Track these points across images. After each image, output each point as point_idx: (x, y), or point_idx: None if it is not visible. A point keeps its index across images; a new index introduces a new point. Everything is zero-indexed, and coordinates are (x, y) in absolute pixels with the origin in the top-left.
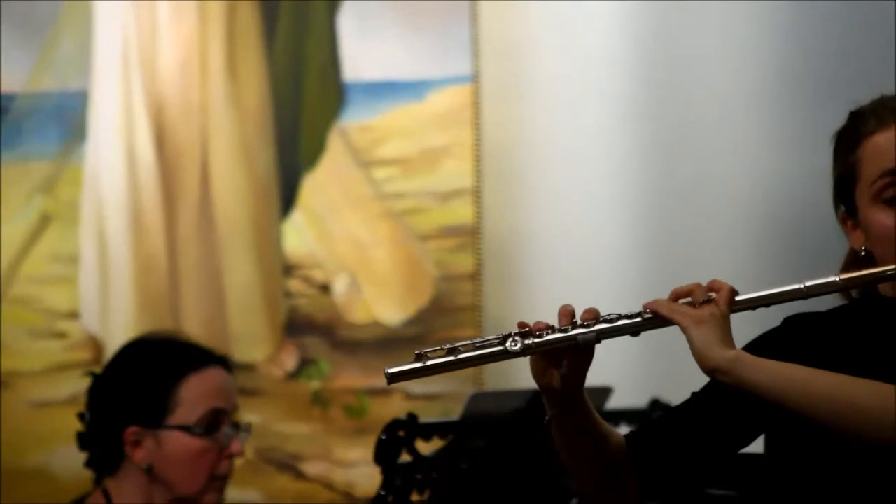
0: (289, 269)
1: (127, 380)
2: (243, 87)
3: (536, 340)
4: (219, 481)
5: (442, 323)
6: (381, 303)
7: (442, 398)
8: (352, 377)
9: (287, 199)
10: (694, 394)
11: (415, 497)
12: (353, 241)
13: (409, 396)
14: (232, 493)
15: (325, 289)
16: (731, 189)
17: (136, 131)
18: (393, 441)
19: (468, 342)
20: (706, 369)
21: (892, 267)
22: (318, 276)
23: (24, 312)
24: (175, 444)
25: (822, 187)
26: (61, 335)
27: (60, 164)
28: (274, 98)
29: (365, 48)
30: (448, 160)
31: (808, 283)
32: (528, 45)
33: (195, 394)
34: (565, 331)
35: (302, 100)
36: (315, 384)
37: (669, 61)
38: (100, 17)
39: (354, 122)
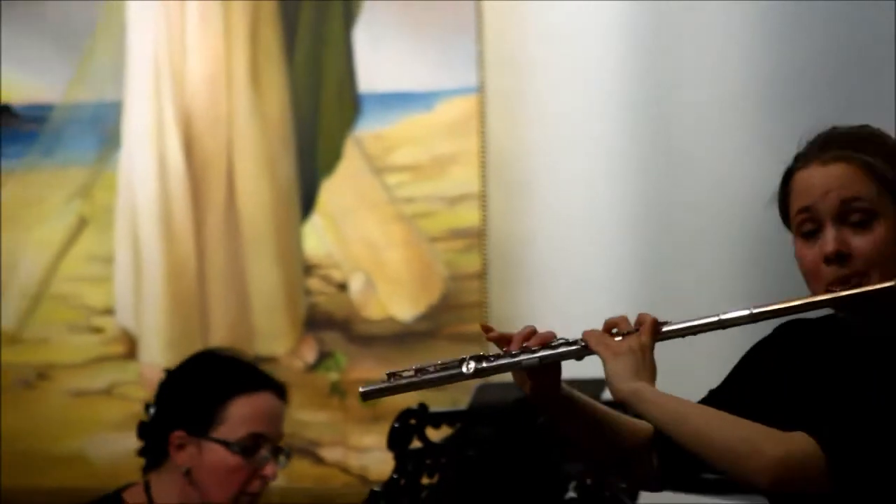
0: (308, 269)
1: (184, 386)
2: (265, 99)
3: (486, 365)
4: (248, 497)
5: (450, 319)
6: (395, 300)
7: (450, 389)
8: (367, 369)
9: (306, 203)
10: (711, 391)
11: (425, 481)
12: (367, 242)
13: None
14: None
15: (342, 287)
16: (729, 196)
17: (167, 140)
18: (405, 429)
19: (434, 364)
20: (615, 399)
21: (801, 301)
22: (336, 275)
23: (62, 309)
24: (213, 456)
25: None
26: (97, 330)
27: (96, 170)
28: (294, 109)
29: (378, 62)
30: (455, 167)
31: (723, 316)
32: (531, 58)
33: (241, 414)
34: (514, 356)
35: (320, 110)
36: (333, 375)
37: (668, 74)
38: (132, 33)
39: (368, 131)
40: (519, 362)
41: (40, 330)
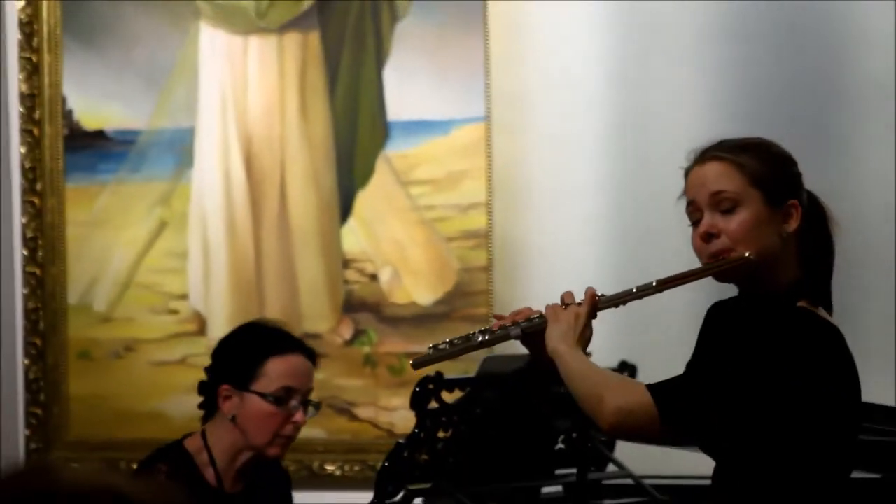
0: (346, 263)
1: (231, 348)
2: (312, 125)
3: (489, 337)
4: (282, 439)
5: (462, 303)
6: (417, 288)
7: (462, 360)
8: (394, 344)
9: (345, 210)
10: (717, 368)
11: (441, 434)
12: (394, 241)
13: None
14: (302, 430)
15: (373, 277)
16: None
17: (231, 158)
18: (424, 392)
19: (454, 338)
20: (547, 350)
21: (696, 269)
22: (369, 267)
23: (146, 295)
24: (252, 405)
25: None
26: (174, 312)
27: (173, 183)
28: (335, 134)
29: (404, 96)
30: (467, 181)
31: (635, 288)
32: (528, 94)
33: (275, 371)
34: (506, 329)
35: (356, 135)
36: (366, 349)
37: (650, 101)
38: (204, 72)
39: (396, 151)
40: (508, 332)
41: (128, 311)
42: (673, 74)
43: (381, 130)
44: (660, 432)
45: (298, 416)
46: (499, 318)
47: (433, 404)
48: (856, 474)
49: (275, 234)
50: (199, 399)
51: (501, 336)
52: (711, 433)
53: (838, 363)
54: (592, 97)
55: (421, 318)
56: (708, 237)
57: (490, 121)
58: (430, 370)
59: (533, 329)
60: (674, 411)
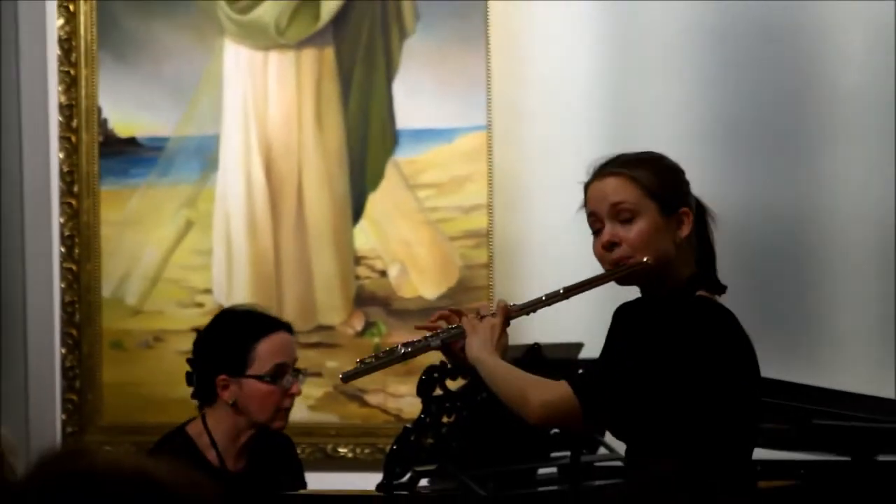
0: (358, 260)
1: (219, 341)
2: (326, 134)
3: (411, 349)
4: (283, 412)
5: (465, 298)
6: (423, 283)
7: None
8: (402, 335)
9: (357, 211)
10: (636, 358)
11: (445, 419)
12: (402, 240)
13: None
14: (316, 416)
15: (383, 273)
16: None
17: (252, 164)
18: (430, 380)
19: (382, 351)
20: (469, 360)
21: (600, 275)
22: (379, 264)
23: (173, 289)
24: (252, 388)
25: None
26: (199, 305)
27: (199, 186)
28: (348, 141)
29: (411, 106)
30: (469, 184)
31: (543, 296)
32: (527, 103)
33: (266, 352)
34: (427, 340)
35: (367, 142)
36: (376, 339)
37: (636, 109)
38: (227, 84)
39: (404, 157)
40: (428, 344)
41: (157, 305)
42: (659, 86)
43: (391, 138)
44: (583, 423)
45: (295, 388)
46: (420, 328)
47: (438, 391)
48: (827, 457)
49: (292, 234)
50: None
51: (422, 347)
52: (628, 422)
53: (734, 342)
54: (585, 108)
55: (427, 311)
56: (610, 246)
57: (490, 129)
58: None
59: (451, 339)
60: (594, 405)
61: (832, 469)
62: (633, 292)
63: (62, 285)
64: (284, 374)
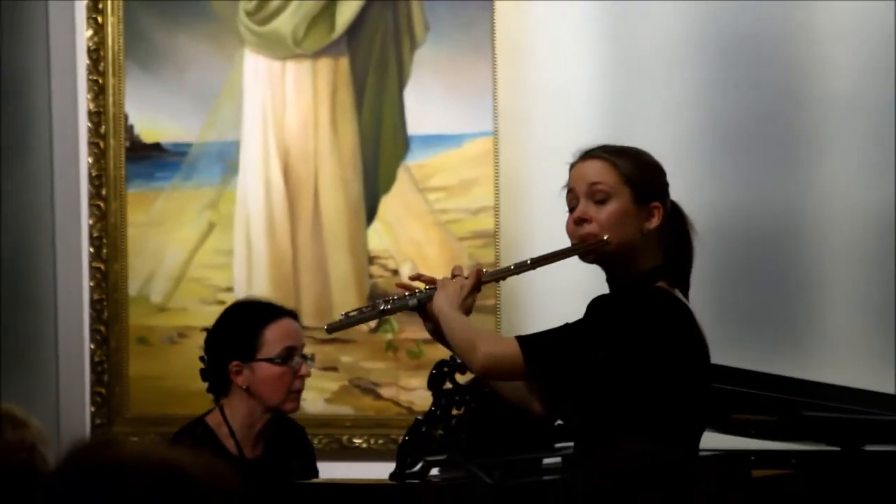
0: (371, 259)
1: (229, 330)
2: (342, 139)
3: (391, 306)
4: (295, 394)
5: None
6: None
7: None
8: (413, 331)
9: (370, 213)
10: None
11: (454, 412)
12: (413, 241)
13: None
14: (332, 408)
15: (395, 272)
16: (691, 216)
17: (271, 168)
18: (440, 374)
19: (364, 306)
20: (433, 311)
21: (563, 249)
22: (391, 264)
23: (197, 287)
24: (263, 371)
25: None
26: (221, 302)
27: (220, 190)
28: (362, 146)
29: (422, 113)
30: (477, 187)
31: (511, 266)
32: (531, 110)
33: (274, 337)
34: (407, 298)
35: (380, 147)
36: (388, 336)
37: (631, 120)
38: (247, 93)
39: (415, 162)
40: (406, 302)
41: (181, 302)
42: (657, 94)
43: (402, 143)
44: (526, 379)
45: (304, 370)
46: (400, 286)
47: (448, 385)
48: (817, 447)
49: (309, 235)
50: None
51: (401, 304)
52: (565, 387)
53: (683, 330)
54: (586, 114)
55: None
56: (580, 221)
57: (497, 135)
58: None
59: (426, 299)
60: (537, 362)
61: (822, 459)
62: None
63: (91, 284)
64: (293, 357)
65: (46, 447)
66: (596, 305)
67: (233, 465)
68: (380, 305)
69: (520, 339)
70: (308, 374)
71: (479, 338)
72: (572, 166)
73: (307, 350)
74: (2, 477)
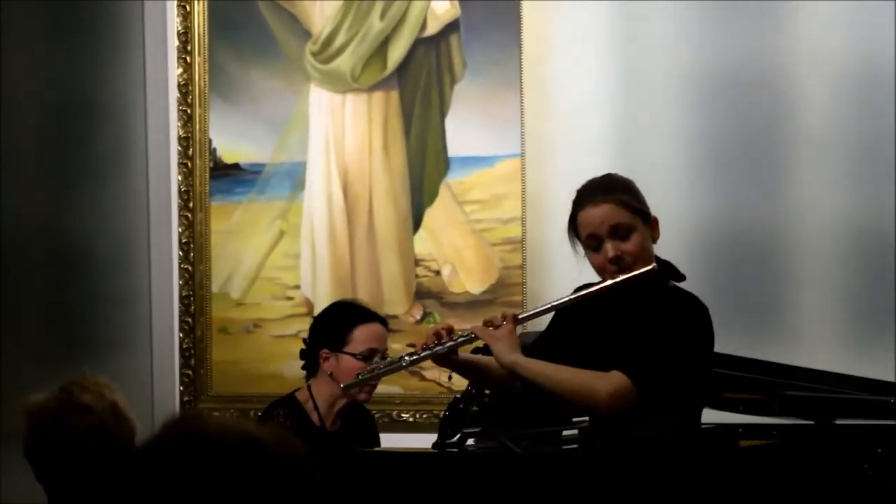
0: (417, 262)
1: (326, 322)
2: (392, 160)
3: (416, 357)
4: (369, 387)
5: (503, 292)
6: (469, 281)
7: None
8: (453, 323)
9: (416, 223)
10: (540, 339)
11: (487, 391)
12: (453, 246)
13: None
14: (383, 388)
15: (437, 273)
16: (684, 227)
17: (332, 185)
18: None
19: (384, 361)
20: (502, 367)
21: (614, 281)
22: (434, 266)
23: (269, 285)
24: (346, 363)
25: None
26: (290, 298)
27: (289, 203)
28: (409, 166)
29: (461, 138)
30: (507, 201)
31: (554, 303)
32: (554, 135)
33: (362, 336)
34: (432, 348)
35: (425, 167)
36: (431, 325)
37: (640, 144)
38: (313, 120)
39: (454, 179)
40: (436, 352)
41: (255, 298)
42: (661, 122)
43: (444, 164)
44: (639, 403)
45: None
46: (412, 346)
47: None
48: (795, 421)
49: (364, 241)
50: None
51: (428, 355)
52: (663, 391)
53: (710, 326)
54: (600, 139)
55: (472, 304)
56: (616, 260)
57: (524, 156)
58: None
59: (459, 346)
60: (648, 388)
61: (799, 431)
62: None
63: (180, 282)
64: (374, 357)
65: (121, 419)
66: (624, 304)
67: (316, 435)
68: (404, 359)
69: (625, 371)
70: None
71: (595, 379)
72: (579, 213)
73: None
74: (82, 453)
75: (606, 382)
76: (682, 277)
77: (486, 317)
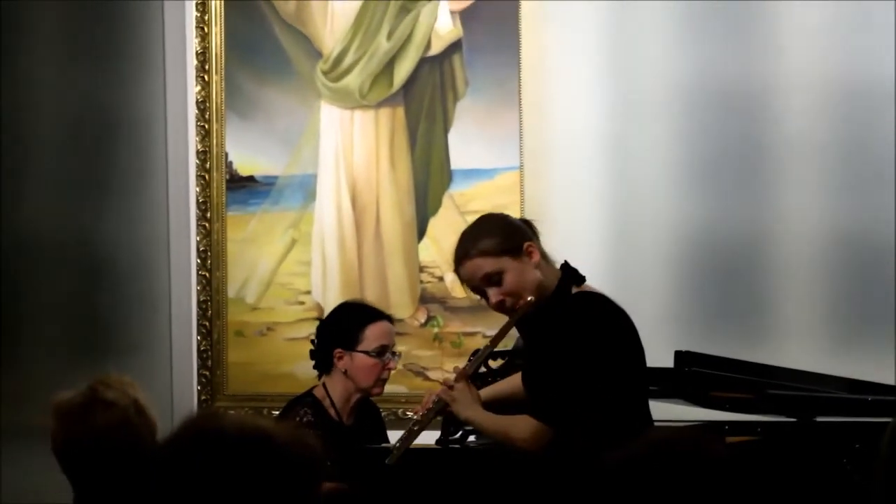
0: (422, 269)
1: (338, 323)
2: (398, 173)
3: (400, 443)
4: (382, 381)
5: None
6: None
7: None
8: (455, 326)
9: (421, 231)
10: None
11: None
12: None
13: (485, 336)
14: (390, 387)
15: (441, 279)
16: (676, 231)
17: (342, 196)
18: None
19: (403, 434)
20: (462, 421)
21: (506, 324)
22: (437, 272)
23: (282, 291)
24: (360, 361)
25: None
26: (301, 303)
27: (301, 213)
28: (414, 179)
29: (463, 152)
30: (506, 211)
31: (479, 351)
32: (551, 149)
33: (373, 334)
34: (424, 416)
35: (429, 179)
36: (435, 329)
37: (631, 157)
38: (323, 135)
39: (457, 190)
40: (428, 419)
41: (269, 303)
42: (648, 134)
43: (447, 176)
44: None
45: (392, 364)
46: (415, 411)
47: (482, 369)
48: (778, 419)
49: (372, 248)
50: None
51: (425, 424)
52: (567, 416)
53: (607, 324)
54: (594, 153)
55: (473, 308)
56: (500, 305)
57: (522, 169)
58: (481, 343)
59: (440, 412)
60: (554, 420)
61: (782, 428)
62: None
63: (198, 288)
64: (385, 353)
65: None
66: (535, 323)
67: (336, 429)
68: (414, 429)
69: (532, 414)
70: (395, 368)
71: (508, 430)
72: (456, 270)
73: (398, 363)
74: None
75: (518, 430)
76: (581, 280)
77: (444, 378)
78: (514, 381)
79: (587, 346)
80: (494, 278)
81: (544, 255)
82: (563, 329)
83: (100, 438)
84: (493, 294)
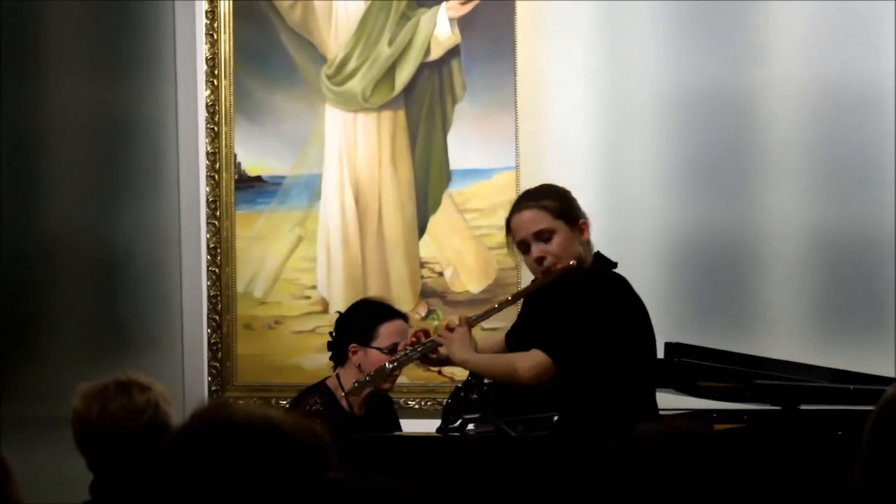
0: (422, 264)
1: (355, 319)
2: (399, 173)
3: (396, 364)
4: (393, 377)
5: (499, 292)
6: (469, 281)
7: (500, 331)
8: (454, 318)
9: (421, 229)
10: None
11: (486, 381)
12: (455, 250)
13: (483, 330)
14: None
15: (441, 274)
16: (668, 229)
17: (345, 195)
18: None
19: (371, 371)
20: (455, 363)
21: (539, 280)
22: (437, 268)
23: (289, 286)
24: (373, 356)
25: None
26: (307, 297)
27: (307, 211)
28: (415, 178)
29: (462, 152)
30: (502, 209)
31: (496, 304)
32: (546, 151)
33: (387, 332)
34: (408, 354)
35: (429, 179)
36: (435, 323)
37: (623, 160)
38: (328, 137)
39: (456, 189)
40: (409, 357)
41: (277, 297)
42: (639, 137)
43: (446, 176)
44: (556, 375)
45: None
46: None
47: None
48: (764, 407)
49: (374, 245)
50: (322, 355)
51: (405, 361)
52: (582, 366)
53: (616, 293)
54: (587, 153)
55: (472, 302)
56: (540, 260)
57: (518, 169)
58: (478, 336)
59: (426, 351)
60: (564, 362)
61: (768, 416)
62: None
63: (208, 283)
64: (397, 350)
65: (169, 406)
66: (561, 293)
67: (346, 419)
68: (387, 367)
69: (542, 347)
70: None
71: (515, 361)
72: (511, 218)
73: None
74: (133, 431)
75: (526, 359)
76: (613, 266)
77: (446, 321)
78: (493, 343)
79: (595, 309)
80: (545, 235)
81: (588, 241)
82: (577, 297)
83: (139, 413)
84: (537, 249)
